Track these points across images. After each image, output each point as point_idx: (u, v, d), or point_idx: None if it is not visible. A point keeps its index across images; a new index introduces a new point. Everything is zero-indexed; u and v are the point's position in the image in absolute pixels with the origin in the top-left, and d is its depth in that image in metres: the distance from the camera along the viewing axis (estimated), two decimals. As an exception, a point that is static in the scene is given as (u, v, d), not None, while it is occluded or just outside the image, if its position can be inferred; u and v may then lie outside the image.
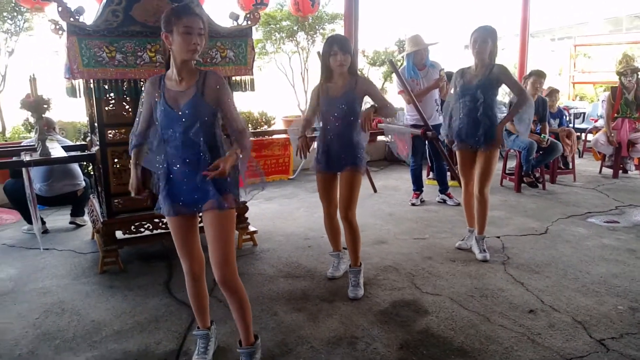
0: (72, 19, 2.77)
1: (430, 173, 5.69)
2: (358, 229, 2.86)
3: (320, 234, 3.87)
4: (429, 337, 2.35)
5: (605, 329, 2.39)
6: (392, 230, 3.99)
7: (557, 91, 5.89)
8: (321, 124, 2.82)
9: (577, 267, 3.14)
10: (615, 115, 5.72)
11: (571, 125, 7.19)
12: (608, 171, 5.89)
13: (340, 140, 2.74)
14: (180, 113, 1.88)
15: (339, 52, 2.63)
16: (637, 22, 9.73)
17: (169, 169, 1.95)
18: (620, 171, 5.82)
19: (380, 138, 6.24)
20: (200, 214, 2.01)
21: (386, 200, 4.90)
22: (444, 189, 4.83)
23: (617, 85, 5.75)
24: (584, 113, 8.13)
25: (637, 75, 5.59)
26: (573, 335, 2.33)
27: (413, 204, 4.75)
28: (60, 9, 2.76)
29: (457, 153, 3.40)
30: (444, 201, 4.79)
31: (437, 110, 4.66)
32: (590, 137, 6.31)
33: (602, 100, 6.61)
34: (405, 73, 4.54)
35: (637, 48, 9.32)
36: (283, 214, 4.52)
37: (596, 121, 7.02)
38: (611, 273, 3.02)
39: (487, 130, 3.17)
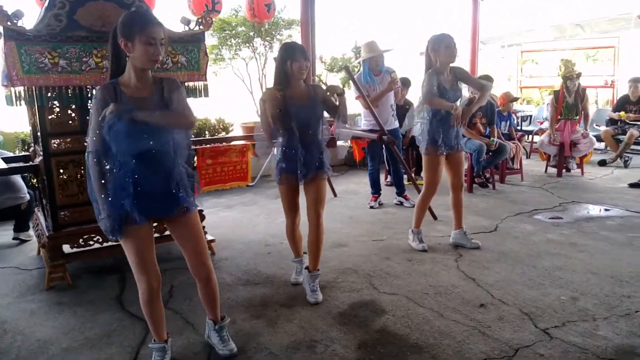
0: (9, 23, 2.64)
1: (388, 176, 5.82)
2: (324, 232, 2.87)
3: (280, 240, 3.86)
4: (385, 336, 2.40)
5: (549, 318, 2.51)
6: (351, 233, 4.03)
7: (515, 99, 6.18)
8: (285, 132, 2.71)
9: (524, 261, 3.29)
10: (559, 117, 6.04)
11: (519, 127, 7.56)
12: (553, 170, 6.21)
13: (312, 146, 2.72)
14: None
15: (301, 59, 2.63)
16: (579, 30, 10.34)
17: (135, 180, 1.88)
18: (564, 170, 6.14)
19: (339, 143, 6.30)
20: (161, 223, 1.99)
21: (346, 204, 4.95)
22: (400, 191, 4.94)
23: (559, 89, 6.07)
24: (531, 116, 8.55)
25: (579, 80, 5.93)
26: (520, 326, 2.44)
27: (372, 207, 4.83)
28: (-4, 12, 2.63)
29: (436, 159, 3.40)
30: (401, 203, 4.90)
31: (392, 115, 4.77)
32: (536, 138, 6.63)
33: (547, 104, 6.96)
34: (361, 79, 4.62)
35: (581, 54, 9.91)
36: (242, 222, 4.48)
37: (542, 123, 7.37)
38: (555, 266, 3.19)
39: (459, 132, 3.43)
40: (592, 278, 2.98)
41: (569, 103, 5.98)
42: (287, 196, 2.85)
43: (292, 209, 2.90)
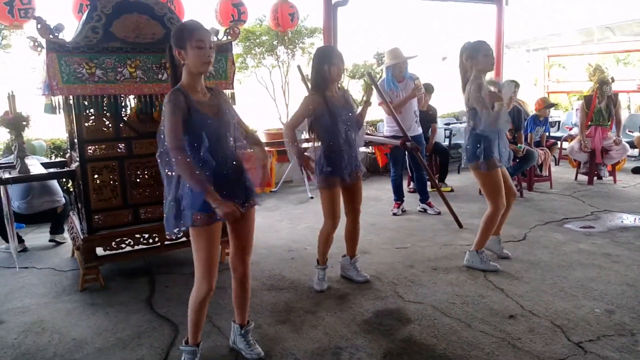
0: (51, 36, 2.78)
1: (411, 183, 5.79)
2: None
3: (303, 246, 3.89)
4: (411, 345, 2.38)
5: (582, 331, 2.45)
6: (374, 240, 4.03)
7: (552, 105, 6.03)
8: (327, 135, 2.81)
9: (555, 272, 3.22)
10: (589, 123, 5.89)
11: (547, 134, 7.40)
12: (583, 178, 6.05)
13: (353, 147, 2.87)
14: (225, 121, 2.04)
15: (340, 63, 2.75)
16: (608, 33, 10.07)
17: (222, 174, 2.02)
18: (595, 178, 5.97)
19: (361, 149, 6.31)
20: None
21: (368, 211, 4.93)
22: (424, 198, 4.90)
23: (590, 94, 5.92)
24: (559, 122, 8.36)
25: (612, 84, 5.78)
26: (552, 339, 2.39)
27: (394, 214, 4.81)
28: (39, 26, 2.77)
29: (496, 172, 3.16)
30: (425, 210, 4.86)
31: (415, 122, 4.76)
32: (565, 144, 6.48)
33: (576, 109, 6.80)
34: (384, 85, 4.62)
35: (610, 58, 9.65)
36: (266, 227, 4.53)
37: (571, 129, 7.21)
38: (588, 277, 3.11)
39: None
40: (628, 290, 2.89)
41: (600, 108, 5.83)
42: (333, 200, 2.91)
43: (336, 212, 2.94)
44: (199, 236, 2.02)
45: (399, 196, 4.90)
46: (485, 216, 3.30)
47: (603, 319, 2.57)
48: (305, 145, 3.67)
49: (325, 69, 2.73)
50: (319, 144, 2.88)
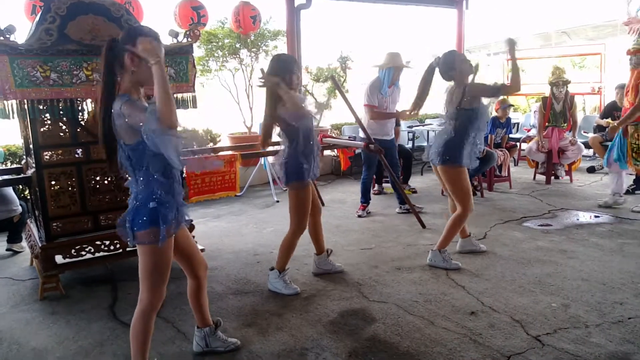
0: (1, 38, 2.68)
1: (376, 185, 5.85)
2: None
3: (269, 250, 3.88)
4: (376, 344, 2.42)
5: (540, 325, 2.54)
6: (339, 241, 4.06)
7: (511, 105, 6.26)
8: (302, 138, 2.88)
9: (514, 269, 3.33)
10: (546, 124, 6.11)
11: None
12: (541, 177, 6.27)
13: (317, 149, 3.02)
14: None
15: (298, 71, 2.89)
16: (565, 37, 10.50)
17: (173, 187, 1.97)
18: (552, 177, 6.20)
19: (327, 152, 6.36)
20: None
21: (333, 213, 4.97)
22: (402, 200, 4.91)
23: (547, 96, 6.15)
24: (518, 123, 8.64)
25: (567, 87, 6.02)
26: (512, 334, 2.47)
27: (360, 216, 4.85)
28: (-13, 27, 2.66)
29: (463, 170, 3.31)
30: (408, 211, 4.80)
31: (392, 127, 4.90)
32: (524, 145, 6.71)
33: (534, 111, 7.04)
34: (380, 85, 4.62)
35: (567, 61, 10.05)
36: (231, 231, 4.49)
37: (529, 131, 7.45)
38: (545, 273, 3.23)
39: None
40: (583, 285, 3.02)
41: (556, 110, 6.05)
42: (310, 196, 2.99)
43: (314, 206, 3.12)
44: (162, 248, 1.94)
45: (366, 199, 4.95)
46: (453, 216, 3.40)
47: (559, 312, 2.68)
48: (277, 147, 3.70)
49: (287, 78, 2.80)
50: (289, 145, 2.91)
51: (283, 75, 2.78)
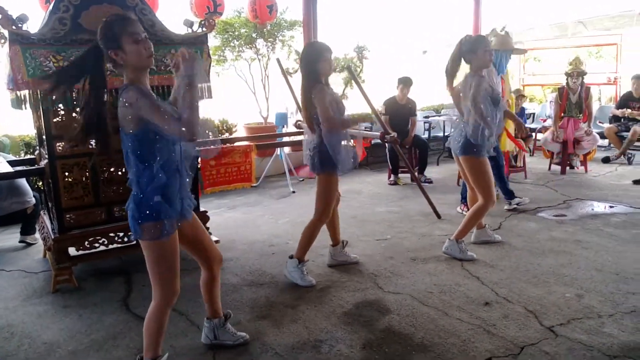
0: (14, 27, 2.66)
1: (392, 176, 5.83)
2: None
3: (284, 240, 3.87)
4: (390, 335, 2.40)
5: (554, 316, 2.51)
6: (355, 232, 4.04)
7: (523, 95, 6.19)
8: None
9: (528, 259, 3.29)
10: (562, 114, 6.02)
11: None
12: (556, 168, 6.19)
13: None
14: None
15: (330, 57, 2.82)
16: (581, 28, 10.28)
17: (178, 177, 1.93)
18: (568, 167, 6.12)
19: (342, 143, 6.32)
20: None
21: (349, 204, 4.95)
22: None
23: (564, 86, 6.06)
24: (534, 114, 8.52)
25: (582, 78, 5.91)
26: (525, 324, 2.44)
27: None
28: (0, 16, 2.64)
29: (486, 161, 3.26)
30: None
31: None
32: (540, 136, 6.62)
33: (550, 101, 6.94)
34: (497, 71, 4.43)
35: (584, 51, 9.86)
36: (246, 222, 4.49)
37: (545, 121, 7.36)
38: (559, 263, 3.18)
39: None
40: (596, 275, 2.98)
41: (572, 101, 5.97)
42: (336, 187, 3.02)
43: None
44: (168, 242, 1.92)
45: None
46: (474, 207, 3.34)
47: (573, 303, 2.64)
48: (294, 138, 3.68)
49: (318, 64, 2.77)
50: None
51: (315, 60, 2.77)
